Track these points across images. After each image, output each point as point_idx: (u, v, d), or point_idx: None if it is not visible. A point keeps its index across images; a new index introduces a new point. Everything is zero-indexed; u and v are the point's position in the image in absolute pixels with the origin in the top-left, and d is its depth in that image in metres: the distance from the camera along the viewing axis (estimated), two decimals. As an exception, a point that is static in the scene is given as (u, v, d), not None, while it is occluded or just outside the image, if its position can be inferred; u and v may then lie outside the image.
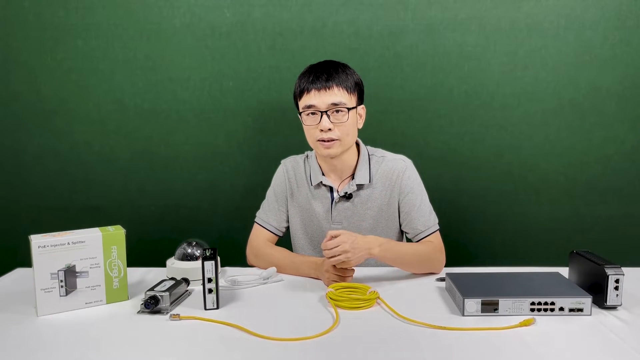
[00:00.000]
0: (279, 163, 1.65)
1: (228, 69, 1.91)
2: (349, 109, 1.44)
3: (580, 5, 1.86)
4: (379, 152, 1.58)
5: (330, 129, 1.43)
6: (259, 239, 1.58)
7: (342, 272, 1.33)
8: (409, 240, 1.59)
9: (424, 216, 1.51)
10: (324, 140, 1.44)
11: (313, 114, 1.44)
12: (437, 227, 1.52)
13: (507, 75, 1.90)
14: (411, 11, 1.87)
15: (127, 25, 1.88)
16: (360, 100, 1.51)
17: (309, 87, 1.44)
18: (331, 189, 1.55)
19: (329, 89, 1.43)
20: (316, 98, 1.43)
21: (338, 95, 1.43)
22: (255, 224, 1.62)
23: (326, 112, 1.43)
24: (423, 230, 1.50)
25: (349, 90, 1.45)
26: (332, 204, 1.54)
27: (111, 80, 1.92)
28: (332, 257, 1.28)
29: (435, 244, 1.48)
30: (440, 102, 1.92)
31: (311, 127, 1.46)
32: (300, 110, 1.48)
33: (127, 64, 1.91)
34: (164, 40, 1.89)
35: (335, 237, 1.29)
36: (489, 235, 2.00)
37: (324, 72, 1.44)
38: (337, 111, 1.43)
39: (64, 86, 1.92)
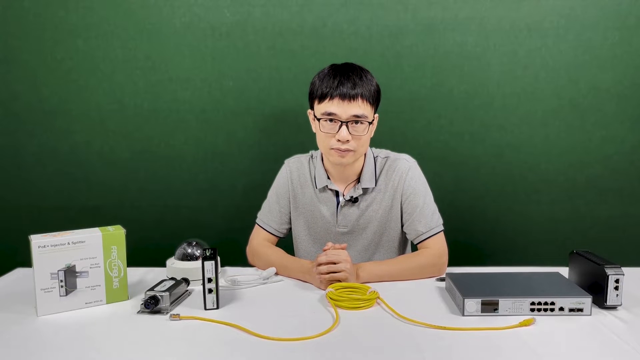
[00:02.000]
0: (279, 163, 1.64)
1: (228, 69, 1.91)
2: (369, 123, 1.42)
3: (580, 5, 1.86)
4: (382, 153, 1.56)
5: (348, 140, 1.39)
6: (258, 238, 1.58)
7: (331, 268, 1.31)
8: (410, 239, 1.57)
9: (426, 218, 1.49)
10: (339, 150, 1.41)
11: (331, 121, 1.40)
12: (441, 228, 1.50)
13: (507, 75, 1.90)
14: (411, 11, 1.87)
15: (127, 25, 1.88)
16: (376, 110, 1.48)
17: (333, 93, 1.38)
18: (337, 193, 1.53)
19: (353, 99, 1.37)
20: (339, 107, 1.38)
21: (361, 107, 1.38)
22: (256, 224, 1.61)
23: (346, 122, 1.39)
24: (424, 232, 1.48)
25: (371, 102, 1.41)
26: (337, 207, 1.53)
27: (111, 80, 1.92)
28: (328, 272, 1.30)
29: (433, 250, 1.46)
30: (440, 102, 1.92)
31: (328, 135, 1.41)
32: (319, 116, 1.41)
33: (127, 64, 1.91)
34: (164, 40, 1.89)
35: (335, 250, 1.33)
36: (489, 235, 2.00)
37: (349, 80, 1.38)
38: (357, 122, 1.39)
39: (64, 86, 1.92)
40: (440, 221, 1.52)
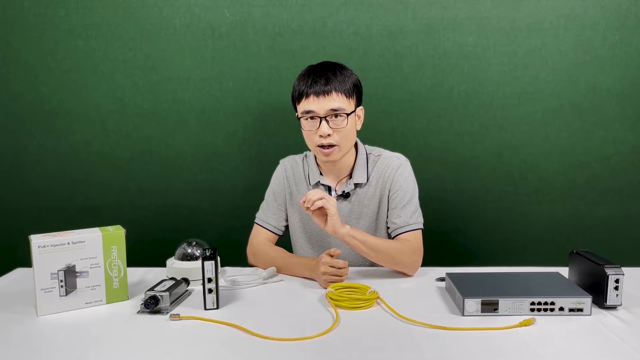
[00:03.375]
0: (279, 163, 1.65)
1: (228, 69, 1.91)
2: (347, 114, 1.44)
3: (580, 5, 1.86)
4: (376, 151, 1.58)
5: (329, 135, 1.42)
6: (258, 238, 1.58)
7: (337, 272, 1.33)
8: (388, 235, 1.56)
9: (407, 214, 1.49)
10: (323, 147, 1.44)
11: (312, 118, 1.44)
12: (419, 226, 1.50)
13: (507, 75, 1.90)
14: (411, 11, 1.87)
15: (127, 25, 1.88)
16: (358, 102, 1.50)
17: (307, 91, 1.42)
18: (329, 188, 1.55)
19: (327, 94, 1.41)
20: (315, 104, 1.42)
21: (337, 100, 1.42)
22: (255, 224, 1.62)
23: (325, 117, 1.42)
24: (402, 225, 1.48)
25: (347, 94, 1.44)
26: None
27: (111, 80, 1.92)
28: (313, 205, 1.32)
29: (411, 243, 1.46)
30: (440, 102, 1.92)
31: (310, 132, 1.45)
32: (299, 115, 1.46)
33: (127, 64, 1.91)
34: (164, 40, 1.89)
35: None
36: (489, 235, 2.00)
37: (322, 77, 1.42)
38: (336, 116, 1.42)
39: (64, 86, 1.92)
40: (421, 220, 1.51)
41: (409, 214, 1.49)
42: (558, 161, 1.95)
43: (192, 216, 2.00)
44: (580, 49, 1.89)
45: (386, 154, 1.57)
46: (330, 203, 1.32)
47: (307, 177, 1.58)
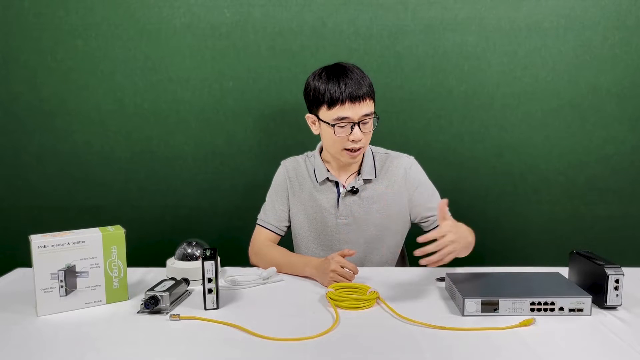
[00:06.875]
0: (279, 163, 1.65)
1: (228, 69, 1.91)
2: (377, 118, 1.46)
3: (580, 5, 1.86)
4: (381, 150, 1.60)
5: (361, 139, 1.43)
6: (260, 238, 1.59)
7: (345, 274, 1.32)
8: (426, 230, 1.56)
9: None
10: (353, 150, 1.44)
11: (343, 125, 1.42)
12: None
13: (507, 75, 1.90)
14: (411, 11, 1.87)
15: (127, 25, 1.88)
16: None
17: (342, 97, 1.40)
18: (337, 184, 1.55)
19: (362, 100, 1.41)
20: (350, 110, 1.40)
21: (368, 105, 1.43)
22: (256, 225, 1.62)
23: (358, 123, 1.42)
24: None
25: (373, 98, 1.46)
26: (338, 198, 1.54)
27: (111, 80, 1.92)
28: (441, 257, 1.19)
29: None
30: (440, 102, 1.92)
31: (342, 138, 1.43)
32: (332, 122, 1.42)
33: (127, 64, 1.91)
34: (164, 40, 1.89)
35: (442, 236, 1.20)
36: (489, 235, 2.00)
37: (352, 80, 1.41)
38: (366, 120, 1.43)
39: (64, 86, 1.92)
40: None
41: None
42: (558, 161, 1.95)
43: (192, 216, 2.00)
44: (580, 49, 1.89)
45: (393, 153, 1.59)
46: (452, 239, 1.18)
47: (312, 175, 1.58)
